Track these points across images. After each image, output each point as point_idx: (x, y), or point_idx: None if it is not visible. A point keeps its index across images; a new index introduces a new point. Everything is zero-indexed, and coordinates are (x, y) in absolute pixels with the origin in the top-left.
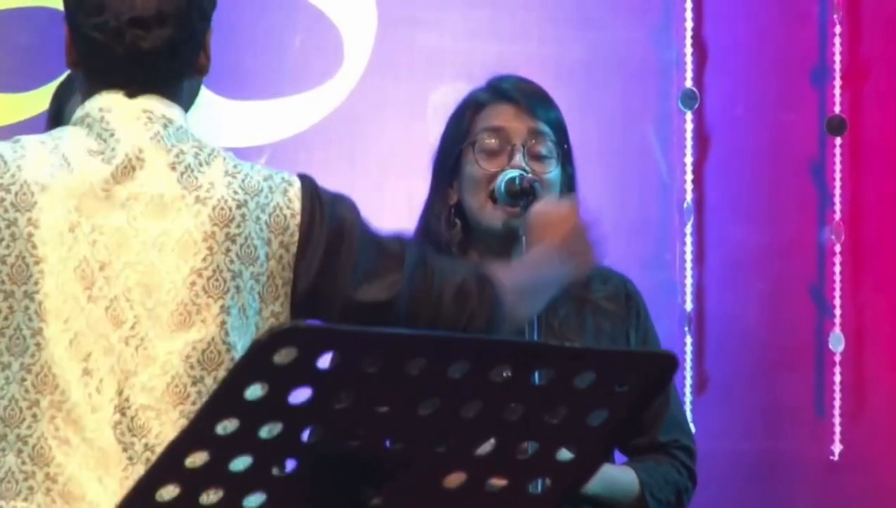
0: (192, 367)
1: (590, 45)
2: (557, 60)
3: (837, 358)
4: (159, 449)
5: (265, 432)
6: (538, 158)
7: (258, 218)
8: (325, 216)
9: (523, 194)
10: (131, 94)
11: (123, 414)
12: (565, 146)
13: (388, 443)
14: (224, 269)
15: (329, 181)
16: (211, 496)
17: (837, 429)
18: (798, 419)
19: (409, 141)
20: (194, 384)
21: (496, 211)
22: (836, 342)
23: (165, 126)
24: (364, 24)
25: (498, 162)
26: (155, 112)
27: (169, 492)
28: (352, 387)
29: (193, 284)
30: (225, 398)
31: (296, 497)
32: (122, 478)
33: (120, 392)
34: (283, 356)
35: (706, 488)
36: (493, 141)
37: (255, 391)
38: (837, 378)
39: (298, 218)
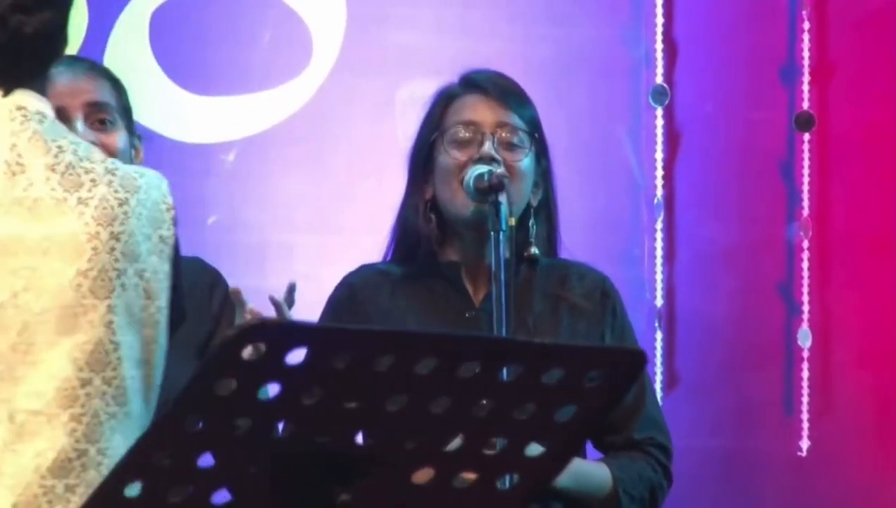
0: (80, 370)
1: (560, 42)
2: (527, 57)
3: (805, 355)
4: (51, 455)
5: (234, 428)
6: (508, 146)
7: (140, 214)
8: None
9: (491, 190)
10: (5, 90)
11: (12, 421)
12: (536, 135)
13: (356, 439)
14: (109, 268)
15: (297, 177)
16: (179, 493)
17: (805, 426)
18: (766, 416)
19: (377, 138)
20: (83, 386)
21: (467, 199)
22: (805, 339)
23: (41, 121)
24: (333, 21)
25: (468, 151)
26: (29, 108)
27: (136, 489)
28: (321, 383)
29: (79, 286)
30: (194, 395)
31: (264, 494)
32: (11, 486)
33: (8, 400)
34: (251, 353)
35: (675, 484)
36: (463, 131)
37: (223, 388)
38: (805, 375)
39: (173, 212)
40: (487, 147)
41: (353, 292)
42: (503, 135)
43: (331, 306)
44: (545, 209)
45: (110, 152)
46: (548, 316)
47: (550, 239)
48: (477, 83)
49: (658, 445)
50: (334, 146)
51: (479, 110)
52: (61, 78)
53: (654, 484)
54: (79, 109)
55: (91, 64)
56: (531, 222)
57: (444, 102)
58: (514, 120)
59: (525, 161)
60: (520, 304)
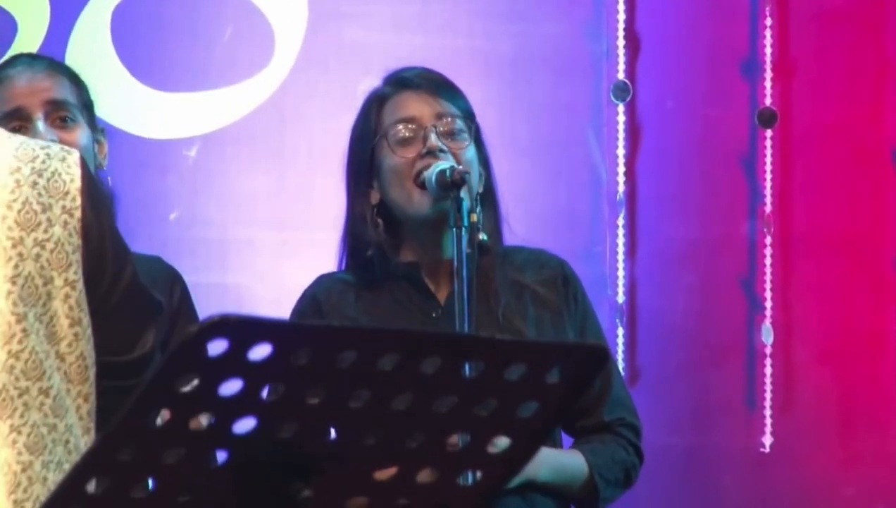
0: None
1: (520, 38)
2: (487, 54)
3: (768, 351)
4: None
5: (196, 424)
6: (451, 135)
7: (35, 183)
8: (103, 195)
9: (454, 186)
10: None
11: None
12: (474, 123)
13: (319, 435)
14: (3, 238)
15: (259, 173)
16: (141, 489)
17: (768, 422)
18: (729, 412)
19: (338, 134)
20: None
21: (424, 197)
22: (767, 335)
23: None
24: (295, 17)
25: (414, 148)
26: None
27: (99, 485)
28: (283, 379)
29: None
30: (156, 390)
31: (226, 490)
32: None
33: None
34: (214, 348)
35: (637, 481)
36: (404, 129)
37: (186, 383)
38: (768, 371)
39: (79, 183)
40: (433, 139)
41: (317, 304)
42: (444, 125)
43: (295, 318)
44: (490, 197)
45: None
46: (514, 306)
47: (497, 226)
48: (406, 80)
49: (627, 425)
50: (296, 142)
51: (416, 106)
52: (20, 77)
53: (627, 465)
54: (39, 108)
55: (50, 61)
56: (478, 210)
57: (376, 105)
58: (451, 109)
59: (469, 149)
60: (486, 296)
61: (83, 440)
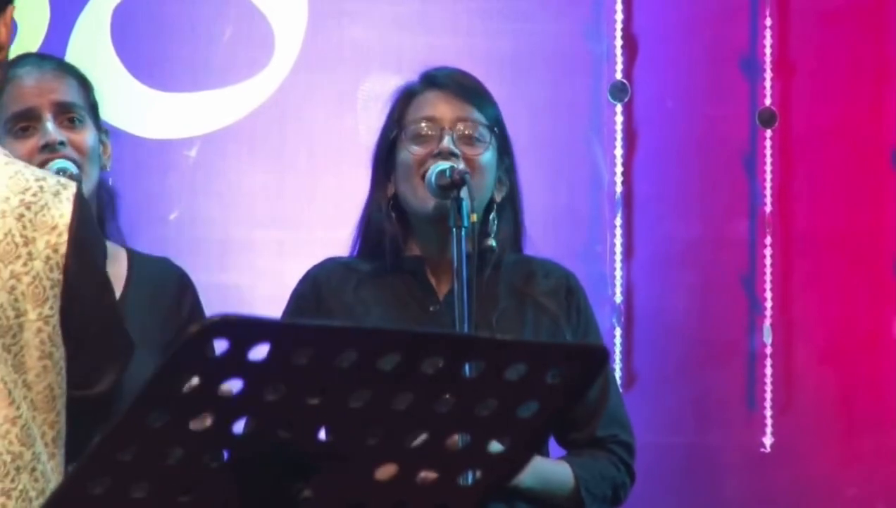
0: None
1: (519, 37)
2: (487, 53)
3: (768, 351)
4: None
5: (197, 424)
6: (468, 141)
7: (21, 215)
8: (93, 233)
9: (453, 186)
10: None
11: None
12: (496, 130)
13: (319, 435)
14: None
15: (259, 173)
16: (142, 489)
17: (769, 421)
18: (729, 412)
19: (338, 133)
20: None
21: (428, 194)
22: (767, 335)
23: None
24: (295, 17)
25: (428, 146)
26: None
27: (100, 485)
28: (283, 379)
29: None
30: (156, 391)
31: (226, 490)
32: None
33: None
34: (215, 348)
35: (636, 481)
36: (423, 127)
37: (187, 383)
38: (768, 371)
39: (68, 219)
40: (446, 142)
41: (316, 287)
42: (462, 130)
43: (294, 300)
44: (510, 205)
45: (81, 150)
46: (512, 313)
47: (516, 236)
48: (436, 80)
49: (621, 442)
50: (296, 142)
51: (439, 106)
52: (28, 77)
53: (616, 483)
54: (48, 109)
55: (58, 62)
56: (492, 216)
57: (404, 99)
58: (474, 115)
59: (485, 156)
60: (484, 300)
61: (49, 465)
